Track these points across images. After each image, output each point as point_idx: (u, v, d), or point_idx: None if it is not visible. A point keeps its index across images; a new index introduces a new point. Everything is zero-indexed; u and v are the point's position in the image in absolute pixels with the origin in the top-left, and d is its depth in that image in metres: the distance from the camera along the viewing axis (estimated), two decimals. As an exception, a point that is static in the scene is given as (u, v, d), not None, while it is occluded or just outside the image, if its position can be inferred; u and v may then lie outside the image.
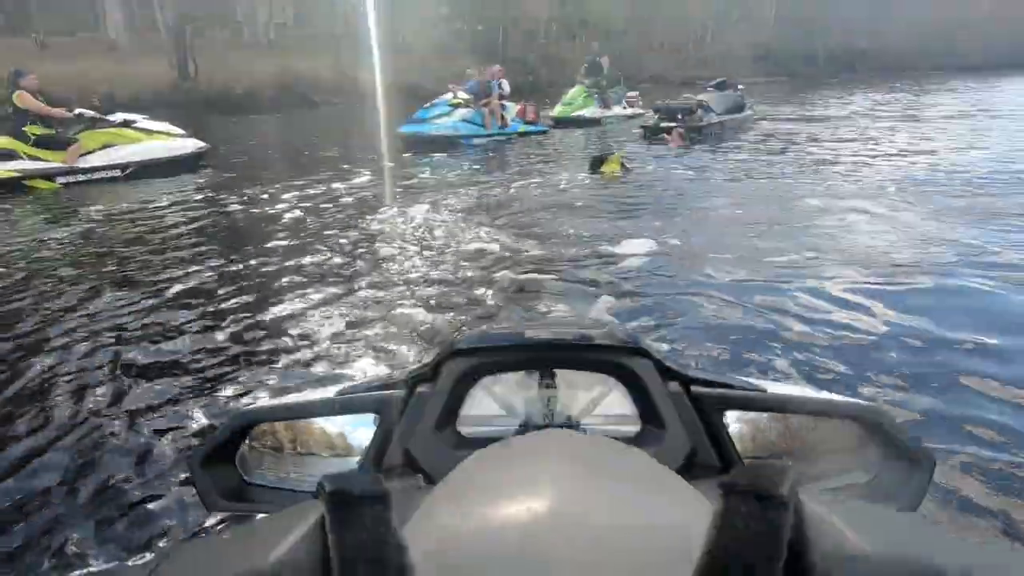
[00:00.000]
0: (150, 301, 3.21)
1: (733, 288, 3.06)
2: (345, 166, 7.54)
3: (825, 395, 0.54)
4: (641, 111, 13.05)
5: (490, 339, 0.55)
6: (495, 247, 3.82)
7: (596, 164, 6.52)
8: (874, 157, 7.07)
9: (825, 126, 10.51)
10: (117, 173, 6.84)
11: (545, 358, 0.54)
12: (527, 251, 3.74)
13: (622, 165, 6.48)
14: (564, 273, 3.34)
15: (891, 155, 7.21)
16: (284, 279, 3.46)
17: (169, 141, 7.24)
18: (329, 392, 0.57)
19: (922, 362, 2.29)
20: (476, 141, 9.32)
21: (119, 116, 7.17)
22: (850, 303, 2.85)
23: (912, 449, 0.47)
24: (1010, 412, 1.98)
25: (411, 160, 7.92)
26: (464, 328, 2.58)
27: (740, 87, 11.42)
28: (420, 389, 0.54)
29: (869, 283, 3.04)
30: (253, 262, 3.77)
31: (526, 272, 3.35)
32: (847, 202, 4.70)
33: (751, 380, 0.54)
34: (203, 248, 4.19)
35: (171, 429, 2.07)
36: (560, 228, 4.26)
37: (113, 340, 2.72)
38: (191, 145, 7.39)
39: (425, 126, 9.17)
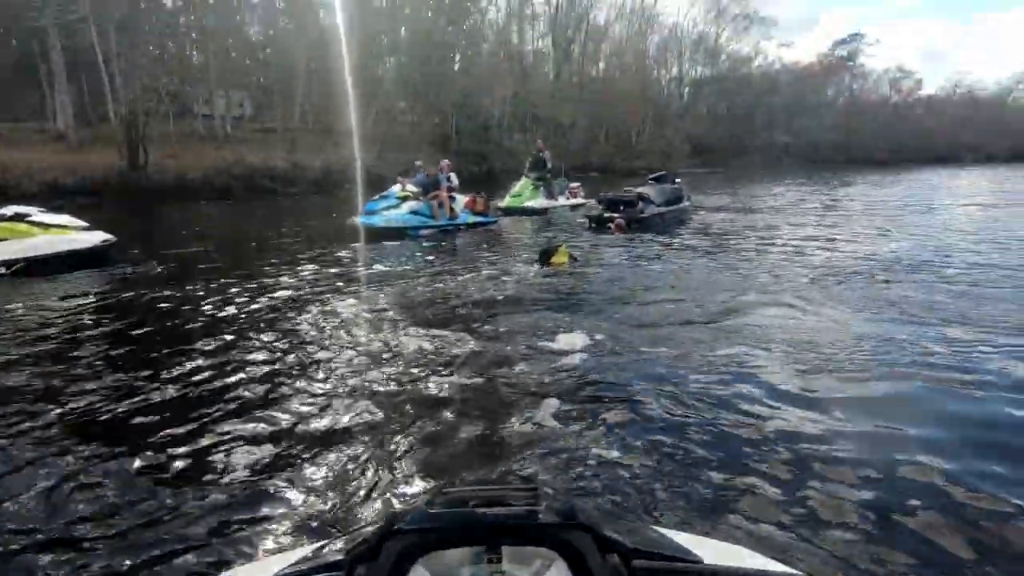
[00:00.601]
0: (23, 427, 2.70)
1: (672, 384, 3.05)
2: (291, 256, 7.38)
3: (760, 562, 0.59)
4: (583, 201, 13.75)
5: (433, 518, 0.55)
6: (437, 347, 3.72)
7: (545, 257, 6.64)
8: (802, 248, 7.53)
9: (757, 216, 11.27)
10: (2, 271, 6.21)
11: (489, 535, 0.56)
12: (470, 350, 3.65)
13: (570, 256, 6.69)
14: (508, 375, 3.26)
15: (817, 245, 7.71)
16: (191, 398, 3.04)
17: (68, 235, 6.71)
18: (264, 571, 0.55)
19: (854, 448, 2.31)
20: (424, 232, 9.41)
21: (10, 209, 6.71)
22: (785, 398, 2.88)
23: None
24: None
25: (359, 251, 7.90)
26: (402, 460, 2.42)
27: (678, 180, 12.15)
28: (360, 571, 0.53)
29: (801, 378, 3.10)
30: (164, 373, 3.31)
31: (467, 376, 3.24)
32: (778, 295, 4.89)
33: (687, 537, 0.57)
34: (96, 358, 3.64)
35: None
36: (504, 323, 4.24)
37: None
38: (96, 238, 6.83)
39: (374, 218, 9.23)
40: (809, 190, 19.85)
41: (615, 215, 9.50)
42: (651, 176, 12.10)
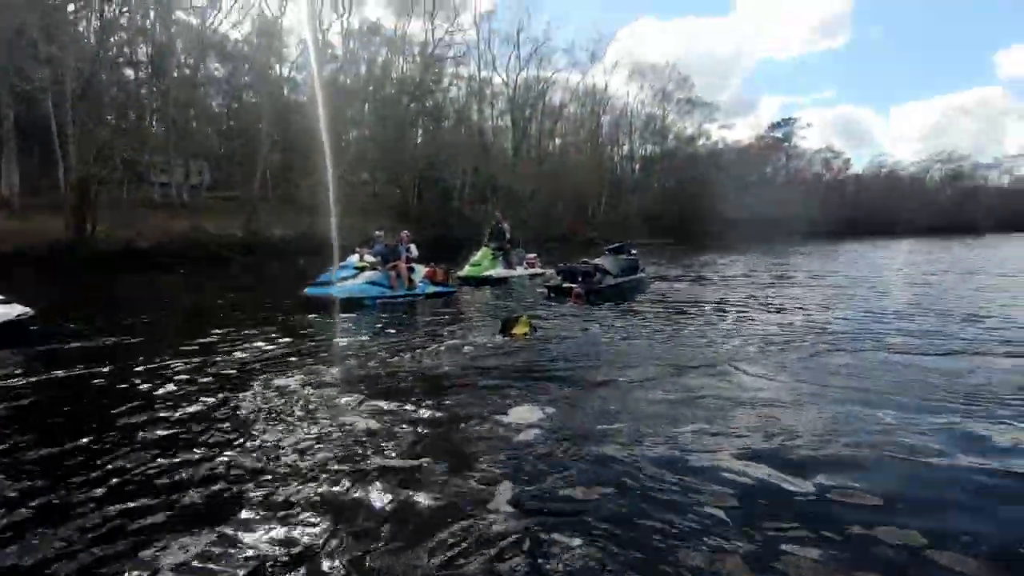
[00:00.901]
0: None
1: (625, 462, 3.02)
2: (240, 328, 7.03)
3: None
4: (541, 270, 14.10)
5: None
6: (387, 426, 3.58)
7: (506, 327, 6.62)
8: (751, 318, 7.83)
9: (709, 288, 11.71)
10: None
11: None
12: (421, 431, 3.51)
13: (531, 326, 6.70)
14: (460, 456, 3.15)
15: (765, 316, 8.04)
16: (110, 504, 2.63)
17: None
18: None
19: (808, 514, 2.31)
20: (382, 302, 9.28)
21: None
22: (738, 476, 2.88)
23: None
24: None
25: (313, 322, 7.66)
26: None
27: (634, 251, 12.58)
28: None
29: (751, 454, 3.12)
30: (77, 474, 2.85)
31: (416, 459, 3.12)
32: (729, 368, 4.99)
33: None
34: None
35: None
36: (458, 398, 4.14)
37: None
38: (12, 312, 6.27)
39: (330, 288, 9.00)
40: (755, 261, 20.91)
41: (573, 286, 9.71)
42: (608, 247, 12.44)
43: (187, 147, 28.76)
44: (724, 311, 8.25)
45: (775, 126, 73.32)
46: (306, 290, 8.99)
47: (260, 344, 6.10)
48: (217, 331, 6.84)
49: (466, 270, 12.66)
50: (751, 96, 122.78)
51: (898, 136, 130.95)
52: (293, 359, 5.42)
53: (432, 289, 10.46)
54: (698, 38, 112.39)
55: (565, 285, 9.90)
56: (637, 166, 63.70)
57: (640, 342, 6.10)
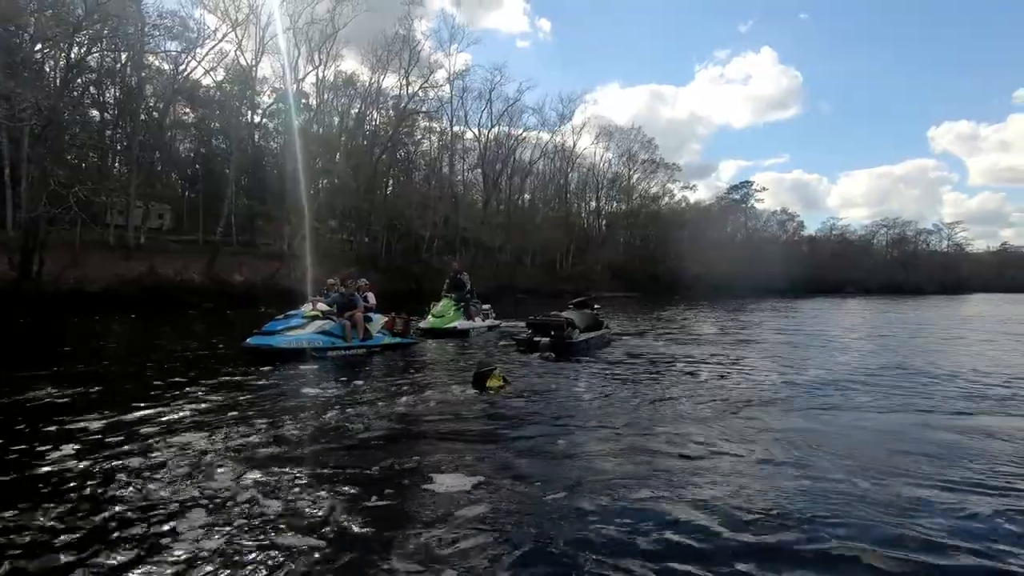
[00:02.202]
0: None
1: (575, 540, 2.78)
2: (176, 381, 6.46)
3: None
4: (496, 322, 13.79)
5: None
6: (312, 503, 3.09)
7: (479, 380, 6.27)
8: (716, 375, 7.82)
9: (675, 345, 11.72)
10: None
11: None
12: (352, 509, 3.06)
13: (505, 380, 6.36)
14: (395, 539, 2.77)
15: (727, 373, 8.05)
16: None
17: None
18: None
19: None
20: (333, 354, 8.63)
21: None
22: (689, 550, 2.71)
23: None
24: None
25: (252, 377, 6.92)
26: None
27: (597, 307, 12.48)
28: None
29: (702, 529, 2.92)
30: None
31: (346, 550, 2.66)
32: (690, 429, 4.86)
33: None
34: None
35: None
36: (404, 462, 3.82)
37: None
38: None
39: (274, 339, 8.21)
40: (716, 317, 21.32)
41: (544, 339, 9.54)
42: (571, 301, 12.17)
43: (150, 190, 28.20)
44: (688, 369, 8.17)
45: (733, 188, 77.15)
46: (248, 340, 8.16)
47: (188, 400, 5.49)
48: (147, 383, 6.26)
49: (429, 321, 12.13)
50: (710, 160, 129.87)
51: (846, 201, 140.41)
52: (220, 417, 4.77)
53: (390, 340, 9.98)
54: (660, 104, 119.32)
55: (536, 339, 9.71)
56: (604, 222, 65.54)
57: (606, 401, 5.89)
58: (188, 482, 3.40)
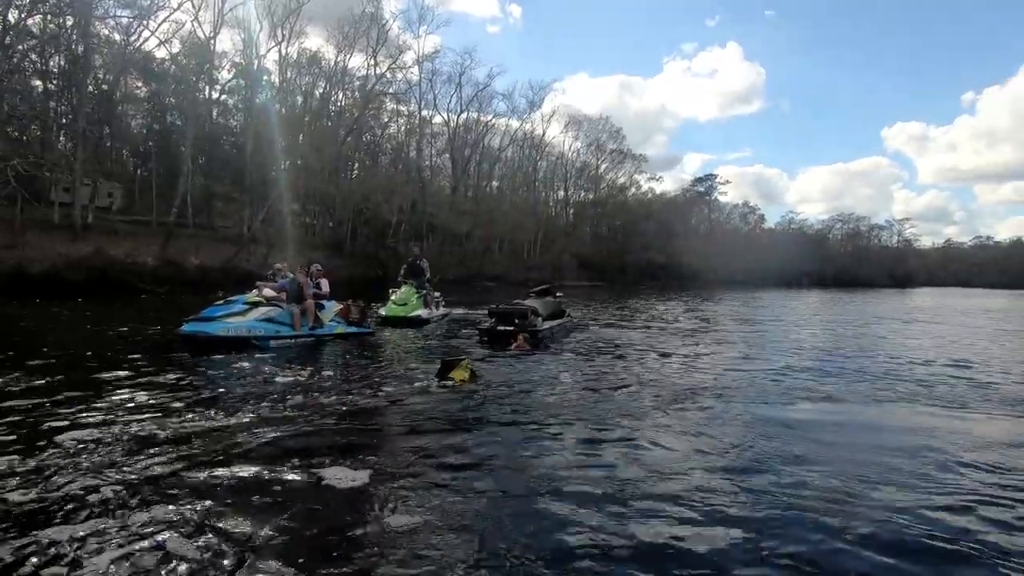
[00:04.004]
0: None
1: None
2: (108, 373, 5.87)
3: None
4: (447, 310, 13.44)
5: None
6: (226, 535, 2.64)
7: (445, 371, 6.06)
8: (683, 365, 7.91)
9: (640, 332, 11.84)
10: None
11: None
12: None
13: (471, 372, 6.11)
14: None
15: (690, 363, 8.15)
16: None
17: None
18: None
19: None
20: (276, 343, 8.04)
21: None
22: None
23: None
24: None
25: (190, 367, 6.44)
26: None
27: (559, 294, 12.31)
28: None
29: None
30: None
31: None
32: (654, 421, 4.88)
33: None
34: None
35: None
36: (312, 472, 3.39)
37: None
38: None
39: (211, 325, 7.61)
40: (683, 307, 21.68)
41: (509, 328, 9.40)
42: (534, 290, 11.97)
43: (99, 166, 26.70)
44: (650, 359, 8.22)
45: (698, 180, 78.63)
46: (183, 327, 7.57)
47: (114, 395, 5.00)
48: (76, 377, 5.74)
49: (390, 309, 11.59)
50: (676, 152, 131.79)
51: (804, 196, 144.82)
52: (142, 416, 4.40)
53: (343, 329, 9.48)
54: (628, 95, 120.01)
55: (500, 328, 9.57)
56: (571, 211, 65.79)
57: (570, 394, 5.80)
58: (93, 480, 3.16)
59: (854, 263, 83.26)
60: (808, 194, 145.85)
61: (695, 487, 3.35)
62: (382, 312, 11.60)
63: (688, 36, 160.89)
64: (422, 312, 11.78)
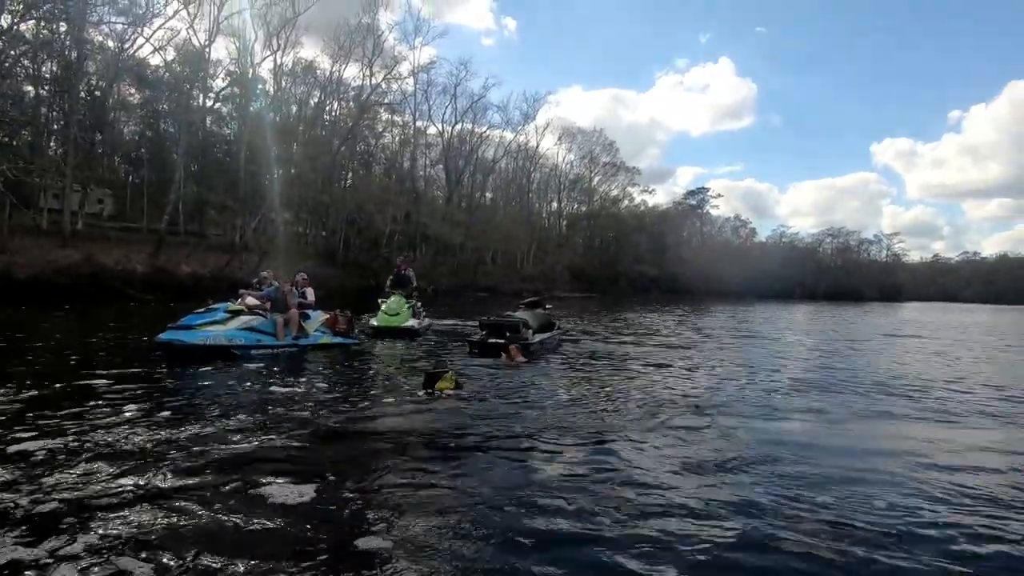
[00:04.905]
0: None
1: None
2: (85, 383, 5.69)
3: None
4: (429, 322, 13.17)
5: None
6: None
7: (430, 381, 6.14)
8: (674, 379, 7.90)
9: (632, 345, 11.82)
10: None
11: None
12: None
13: (456, 383, 6.19)
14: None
15: (687, 375, 8.15)
16: None
17: None
18: None
19: None
20: (257, 353, 7.86)
21: None
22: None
23: None
24: None
25: (165, 377, 6.35)
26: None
27: (548, 306, 12.19)
28: None
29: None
30: None
31: None
32: (638, 437, 4.86)
33: None
34: None
35: None
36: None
37: None
38: None
39: (189, 334, 7.36)
40: (675, 319, 21.72)
41: (500, 340, 9.36)
42: (523, 301, 11.86)
43: (90, 173, 26.54)
44: (644, 372, 8.21)
45: (690, 193, 79.35)
46: (159, 336, 7.28)
47: (91, 406, 4.84)
48: (51, 387, 5.58)
49: (382, 319, 11.33)
50: (669, 165, 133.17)
51: (794, 210, 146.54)
52: (116, 430, 4.23)
53: (328, 339, 9.31)
54: (621, 108, 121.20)
55: (491, 340, 9.51)
56: (564, 222, 66.07)
57: (557, 407, 5.71)
58: (47, 495, 3.06)
59: (844, 276, 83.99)
60: (798, 208, 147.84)
61: (680, 504, 3.33)
62: (373, 322, 11.40)
63: (680, 51, 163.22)
64: (413, 323, 11.64)
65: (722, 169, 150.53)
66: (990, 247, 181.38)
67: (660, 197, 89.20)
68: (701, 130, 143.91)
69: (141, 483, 3.28)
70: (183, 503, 3.04)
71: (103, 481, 3.28)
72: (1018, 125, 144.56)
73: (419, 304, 12.72)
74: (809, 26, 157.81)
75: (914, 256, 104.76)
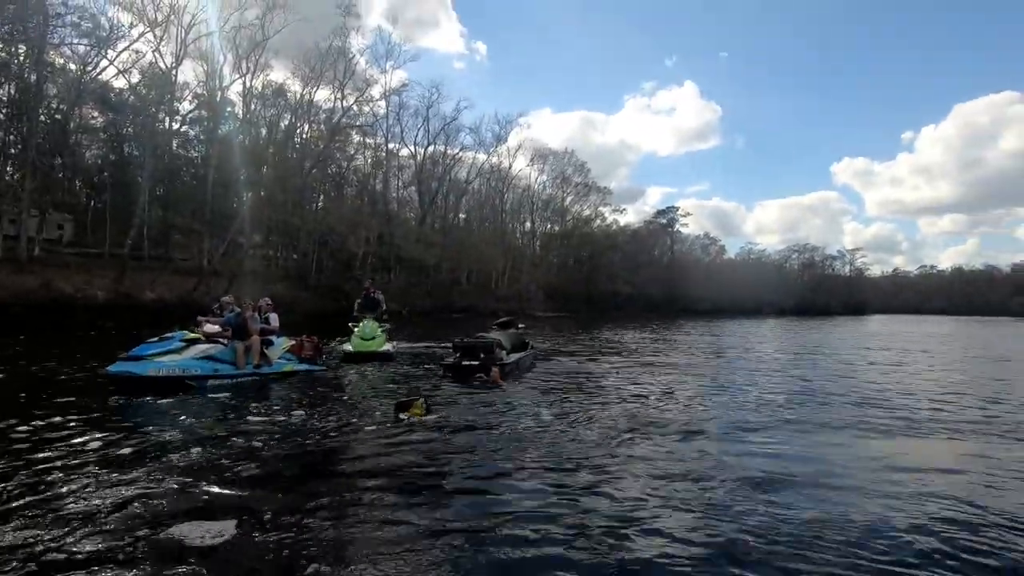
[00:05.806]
0: None
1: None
2: (30, 421, 5.33)
3: None
4: (395, 343, 12.76)
5: None
6: None
7: (400, 408, 6.18)
8: (646, 399, 7.91)
9: (606, 364, 11.83)
10: None
11: None
12: None
13: (426, 409, 6.19)
14: None
15: (662, 393, 8.17)
16: None
17: None
18: None
19: None
20: (214, 383, 7.51)
21: None
22: None
23: None
24: None
25: (115, 410, 6.10)
26: None
27: (521, 326, 12.15)
28: None
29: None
30: None
31: None
32: (611, 460, 4.84)
33: None
34: None
35: None
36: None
37: None
38: None
39: (139, 365, 7.04)
40: (649, 336, 21.90)
41: (474, 362, 9.24)
42: (496, 322, 11.79)
43: (48, 197, 25.69)
44: (619, 391, 8.21)
45: (660, 213, 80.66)
46: (109, 368, 7.01)
47: (10, 443, 4.59)
48: None
49: (356, 344, 11.07)
50: (638, 185, 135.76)
51: (761, 228, 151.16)
52: (53, 470, 4.06)
53: (292, 367, 8.96)
54: (591, 130, 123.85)
55: (465, 363, 9.39)
56: (538, 242, 66.44)
57: (529, 432, 5.62)
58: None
59: (811, 292, 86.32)
60: (764, 226, 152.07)
61: (660, 526, 3.30)
62: (347, 347, 11.14)
63: (648, 75, 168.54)
64: (388, 347, 11.45)
65: (690, 188, 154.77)
66: (946, 260, 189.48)
67: (631, 216, 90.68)
68: (669, 151, 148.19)
69: (66, 530, 3.09)
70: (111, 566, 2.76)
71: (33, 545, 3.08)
72: (965, 145, 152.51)
73: (387, 326, 12.50)
74: (770, 51, 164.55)
75: (876, 270, 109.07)
